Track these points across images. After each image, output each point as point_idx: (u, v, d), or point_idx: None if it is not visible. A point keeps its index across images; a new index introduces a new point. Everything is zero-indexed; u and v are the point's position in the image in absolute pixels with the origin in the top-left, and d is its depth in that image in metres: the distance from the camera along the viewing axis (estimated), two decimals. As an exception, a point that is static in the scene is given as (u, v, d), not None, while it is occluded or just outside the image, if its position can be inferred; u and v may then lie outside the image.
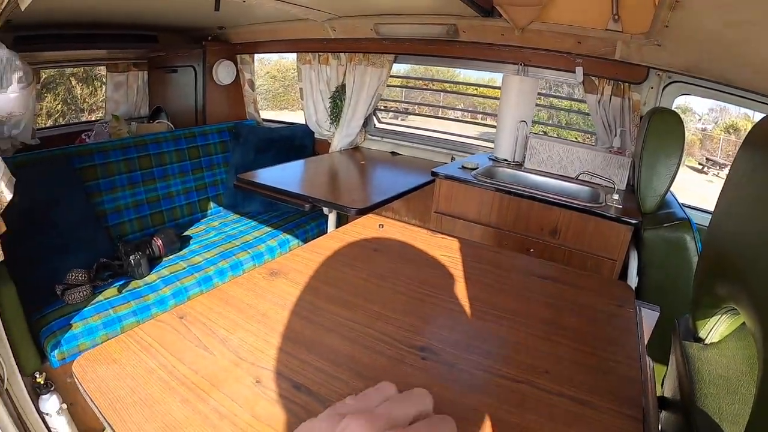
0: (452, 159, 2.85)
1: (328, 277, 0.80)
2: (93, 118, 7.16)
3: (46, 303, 1.88)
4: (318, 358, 0.60)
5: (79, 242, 2.05)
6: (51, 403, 1.69)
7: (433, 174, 2.24)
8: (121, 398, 0.53)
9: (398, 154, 3.11)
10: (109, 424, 0.52)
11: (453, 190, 2.20)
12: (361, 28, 2.75)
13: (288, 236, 2.66)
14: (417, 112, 4.99)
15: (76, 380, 0.55)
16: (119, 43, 3.11)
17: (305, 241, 2.66)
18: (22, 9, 1.18)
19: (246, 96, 3.61)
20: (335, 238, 0.96)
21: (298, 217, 2.88)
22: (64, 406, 1.75)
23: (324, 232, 2.64)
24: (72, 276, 1.91)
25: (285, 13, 2.61)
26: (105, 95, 3.57)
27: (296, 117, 3.94)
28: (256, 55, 3.55)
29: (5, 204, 1.37)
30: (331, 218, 2.30)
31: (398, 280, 0.80)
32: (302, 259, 0.86)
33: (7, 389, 1.51)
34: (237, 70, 3.48)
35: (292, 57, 3.54)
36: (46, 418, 1.71)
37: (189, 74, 3.37)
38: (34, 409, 1.65)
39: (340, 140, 3.16)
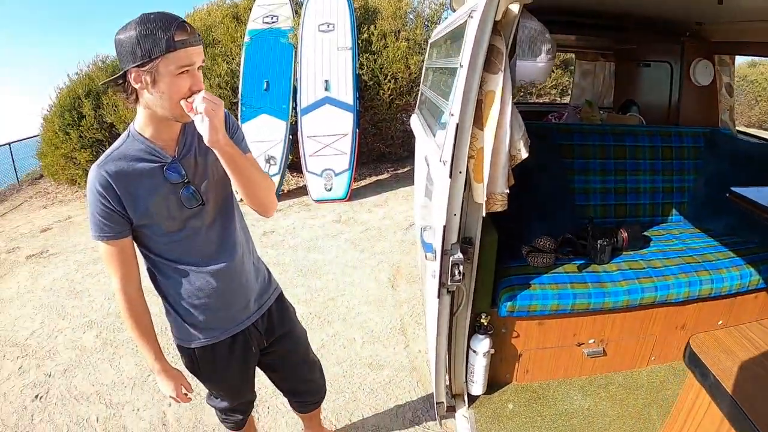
0: None
1: None
2: (540, 101, 7.86)
3: (511, 258, 2.08)
4: None
5: (551, 213, 2.20)
6: (483, 344, 1.87)
7: None
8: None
9: None
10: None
11: None
12: None
13: (751, 269, 2.11)
14: None
15: (696, 354, 0.65)
16: (591, 31, 3.13)
17: (767, 280, 2.11)
18: None
19: (722, 101, 3.09)
20: None
21: (765, 251, 2.26)
22: (492, 351, 1.90)
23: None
24: (540, 242, 2.04)
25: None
26: (572, 82, 3.73)
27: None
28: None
29: (519, 161, 1.53)
30: None
31: None
32: None
33: (456, 316, 1.73)
34: (714, 71, 3.02)
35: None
36: (470, 354, 1.89)
37: (663, 70, 3.14)
38: (464, 342, 1.85)
39: None
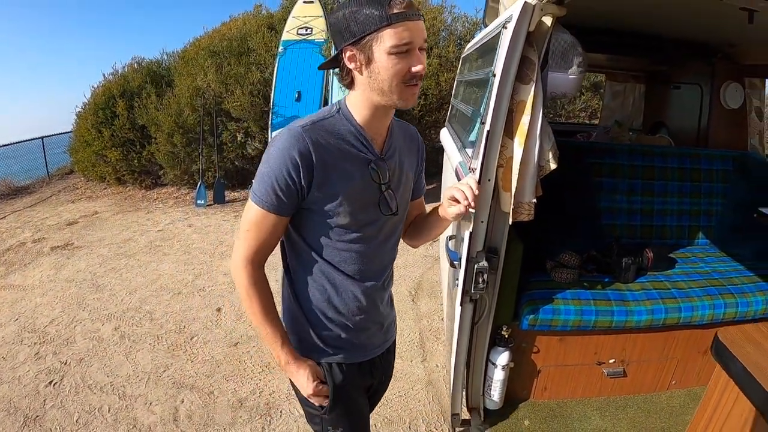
0: None
1: None
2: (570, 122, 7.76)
3: (535, 271, 2.07)
4: None
5: (577, 230, 2.20)
6: (502, 357, 1.85)
7: None
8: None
9: None
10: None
11: None
12: None
13: None
14: None
15: (722, 344, 0.64)
16: (622, 51, 3.12)
17: None
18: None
19: (751, 125, 3.05)
20: None
21: None
22: (511, 364, 1.88)
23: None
24: (565, 257, 2.04)
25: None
26: (602, 104, 3.72)
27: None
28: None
29: (547, 172, 1.53)
30: None
31: None
32: None
33: (478, 326, 1.71)
34: (744, 95, 2.99)
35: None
36: (489, 366, 1.87)
37: (693, 92, 3.12)
38: (484, 353, 1.83)
39: None
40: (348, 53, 0.95)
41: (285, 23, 6.44)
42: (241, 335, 3.03)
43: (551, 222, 2.13)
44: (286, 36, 6.28)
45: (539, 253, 2.09)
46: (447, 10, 7.22)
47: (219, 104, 6.60)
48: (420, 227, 1.27)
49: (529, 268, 2.03)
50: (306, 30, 6.23)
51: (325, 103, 5.94)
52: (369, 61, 0.94)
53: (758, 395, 0.99)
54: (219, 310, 3.40)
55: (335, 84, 5.78)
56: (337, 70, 1.03)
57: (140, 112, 6.94)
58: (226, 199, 6.47)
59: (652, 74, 3.52)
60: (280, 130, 1.01)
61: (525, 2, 1.30)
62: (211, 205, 6.32)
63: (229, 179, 6.98)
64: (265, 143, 6.30)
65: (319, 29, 6.25)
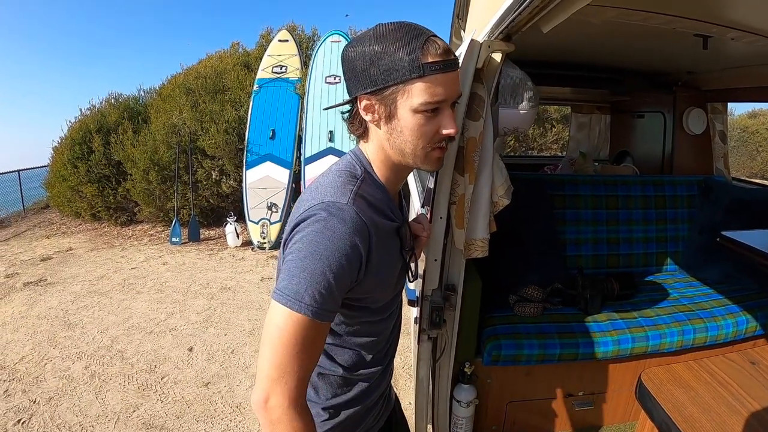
0: None
1: None
2: (541, 155, 7.90)
3: (496, 306, 2.05)
4: None
5: (541, 263, 2.18)
6: (466, 392, 1.82)
7: None
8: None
9: None
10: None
11: None
12: None
13: (748, 315, 2.08)
14: None
15: (645, 388, 0.59)
16: (585, 84, 3.20)
17: (765, 326, 2.08)
18: (544, 31, 1.28)
19: (716, 149, 3.12)
20: None
21: (762, 296, 2.22)
22: (476, 401, 1.85)
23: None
24: (528, 291, 2.02)
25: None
26: (568, 135, 3.79)
27: None
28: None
29: (501, 207, 1.54)
30: None
31: None
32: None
33: (439, 363, 1.68)
34: (707, 120, 3.07)
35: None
36: (455, 404, 1.84)
37: (656, 120, 3.18)
38: (447, 391, 1.79)
39: None
40: (364, 102, 0.79)
41: (260, 61, 6.55)
42: (212, 375, 2.95)
43: (514, 256, 2.13)
44: (261, 74, 6.41)
45: (502, 288, 2.08)
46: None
47: (194, 141, 6.62)
48: None
49: (491, 304, 2.02)
50: (281, 68, 6.35)
51: (299, 143, 5.99)
52: (390, 116, 0.78)
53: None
54: (191, 349, 3.32)
55: (310, 123, 5.86)
56: (342, 111, 0.88)
57: (116, 148, 6.92)
58: (201, 237, 6.42)
59: (615, 105, 3.59)
60: (309, 210, 0.77)
61: (472, 40, 1.33)
62: (185, 243, 6.26)
63: (204, 217, 6.96)
64: (240, 181, 6.29)
65: (294, 67, 6.38)
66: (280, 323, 0.71)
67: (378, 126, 0.81)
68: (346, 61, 0.79)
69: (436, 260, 1.41)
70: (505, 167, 1.52)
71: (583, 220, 2.46)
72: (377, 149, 0.85)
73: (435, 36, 0.75)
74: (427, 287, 1.44)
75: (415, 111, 0.76)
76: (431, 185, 1.39)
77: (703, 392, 0.98)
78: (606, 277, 2.17)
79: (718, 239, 1.97)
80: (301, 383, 0.73)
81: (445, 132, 0.79)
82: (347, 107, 0.87)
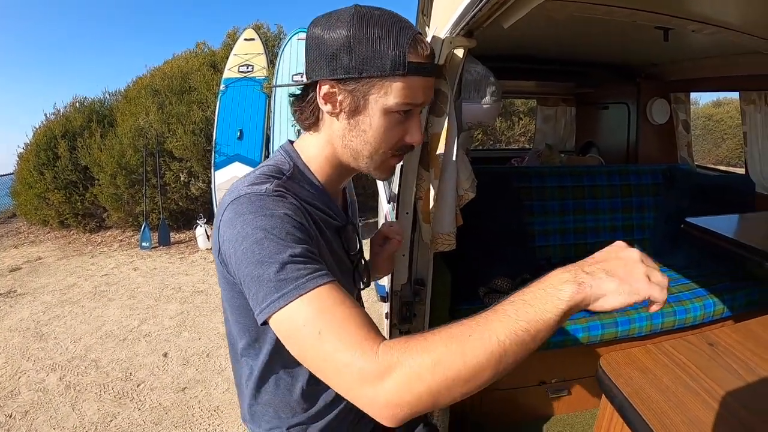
0: None
1: None
2: (509, 148, 8.05)
3: (465, 300, 2.07)
4: None
5: (510, 254, 2.21)
6: None
7: None
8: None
9: None
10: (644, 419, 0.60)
11: None
12: None
13: (715, 299, 2.17)
14: None
15: (604, 372, 0.60)
16: (550, 77, 3.27)
17: (732, 308, 2.16)
18: (505, 27, 1.30)
19: (679, 138, 3.22)
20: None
21: (727, 280, 2.32)
22: None
23: (755, 302, 2.23)
24: (497, 282, 2.06)
25: (730, 46, 2.11)
26: (535, 127, 3.86)
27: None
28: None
29: (467, 201, 1.56)
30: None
31: None
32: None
33: None
34: (670, 110, 3.17)
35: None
36: None
37: (621, 111, 3.27)
38: None
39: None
40: (326, 89, 0.70)
41: (227, 61, 6.46)
42: (189, 380, 2.92)
43: (483, 248, 2.16)
44: (227, 74, 6.32)
45: (472, 281, 2.10)
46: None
47: (161, 144, 6.50)
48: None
49: (461, 296, 2.04)
50: (247, 67, 6.27)
51: (267, 142, 5.94)
52: (357, 110, 0.70)
53: (640, 425, 0.93)
54: (165, 355, 3.27)
55: (278, 122, 5.81)
56: (292, 95, 0.79)
57: (83, 153, 6.74)
58: (171, 240, 6.31)
59: (580, 97, 3.67)
60: (227, 208, 0.68)
61: (433, 36, 1.34)
62: (156, 247, 6.14)
63: (174, 220, 6.84)
64: (209, 183, 6.20)
65: (260, 66, 6.30)
66: (303, 318, 0.59)
67: (336, 118, 0.73)
68: (313, 39, 0.71)
69: (404, 255, 1.43)
70: (471, 161, 1.54)
71: (551, 211, 2.50)
72: (324, 144, 0.77)
73: (421, 34, 0.70)
74: (396, 282, 1.45)
75: (388, 111, 0.70)
76: (397, 182, 1.40)
77: (660, 374, 1.01)
78: (574, 266, 2.22)
79: (682, 226, 2.05)
80: (372, 328, 0.60)
81: (409, 140, 0.74)
82: (298, 90, 0.78)
